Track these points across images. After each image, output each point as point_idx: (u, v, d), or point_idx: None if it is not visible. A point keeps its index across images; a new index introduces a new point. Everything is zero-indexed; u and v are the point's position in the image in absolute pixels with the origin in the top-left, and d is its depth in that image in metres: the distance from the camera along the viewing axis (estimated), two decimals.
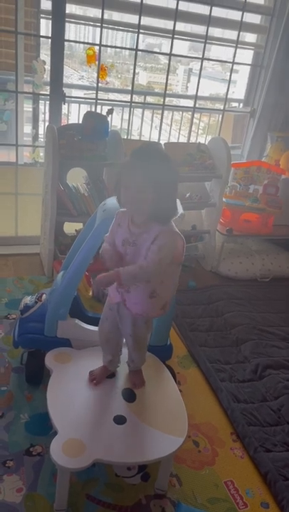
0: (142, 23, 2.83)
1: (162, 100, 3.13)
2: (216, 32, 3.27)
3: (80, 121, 2.59)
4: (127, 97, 3.10)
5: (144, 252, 1.33)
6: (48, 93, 2.80)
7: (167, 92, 3.12)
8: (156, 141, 3.09)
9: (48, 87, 2.78)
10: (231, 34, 3.31)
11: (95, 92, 2.90)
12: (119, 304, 1.47)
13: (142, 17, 2.79)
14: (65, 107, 2.83)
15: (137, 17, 2.82)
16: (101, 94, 2.92)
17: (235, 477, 1.62)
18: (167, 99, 3.15)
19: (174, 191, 1.34)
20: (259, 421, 1.85)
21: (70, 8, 2.70)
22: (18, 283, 2.60)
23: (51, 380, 1.57)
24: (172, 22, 2.90)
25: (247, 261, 3.11)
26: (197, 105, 3.25)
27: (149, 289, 1.40)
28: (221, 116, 3.41)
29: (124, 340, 1.58)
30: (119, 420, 1.45)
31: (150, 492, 1.51)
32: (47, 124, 2.82)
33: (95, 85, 2.89)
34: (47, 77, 2.78)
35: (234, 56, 3.18)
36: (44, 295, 1.90)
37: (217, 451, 1.72)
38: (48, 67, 2.73)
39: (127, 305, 1.45)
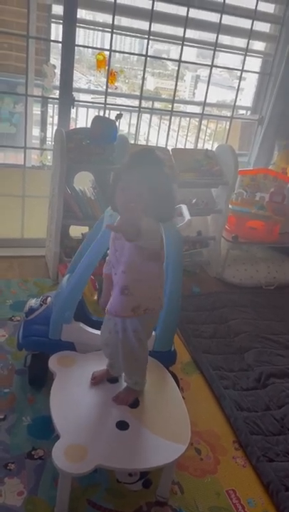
0: (152, 29, 2.84)
1: (169, 106, 3.14)
2: (224, 39, 3.29)
3: (88, 126, 2.60)
4: (134, 102, 3.12)
5: (127, 245, 1.32)
6: (57, 97, 2.82)
7: (175, 98, 3.13)
8: (164, 146, 3.10)
9: (57, 91, 2.80)
10: (240, 42, 3.33)
11: (101, 96, 2.91)
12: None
13: (151, 23, 2.81)
14: (73, 111, 2.84)
15: (145, 23, 2.83)
16: (109, 99, 2.93)
17: (238, 486, 1.61)
18: (175, 105, 3.16)
19: (170, 195, 1.34)
20: (262, 430, 1.84)
21: (80, 14, 2.72)
22: (22, 285, 2.60)
23: (54, 383, 1.57)
24: (182, 29, 2.91)
25: (252, 268, 3.10)
26: (204, 112, 3.26)
27: (123, 283, 1.37)
28: (227, 123, 3.42)
29: None
30: (122, 426, 1.45)
31: (151, 499, 1.50)
32: (55, 127, 2.83)
33: (103, 90, 2.90)
34: (56, 81, 2.79)
35: (243, 64, 3.19)
36: (49, 298, 1.90)
37: (219, 459, 1.70)
38: (57, 71, 2.75)
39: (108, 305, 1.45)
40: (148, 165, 1.30)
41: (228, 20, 3.06)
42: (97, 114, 3.06)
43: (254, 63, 3.50)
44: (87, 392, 1.56)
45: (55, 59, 2.90)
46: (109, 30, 2.76)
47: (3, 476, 1.49)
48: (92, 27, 3.16)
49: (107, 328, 1.56)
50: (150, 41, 2.90)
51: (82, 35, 3.99)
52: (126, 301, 1.40)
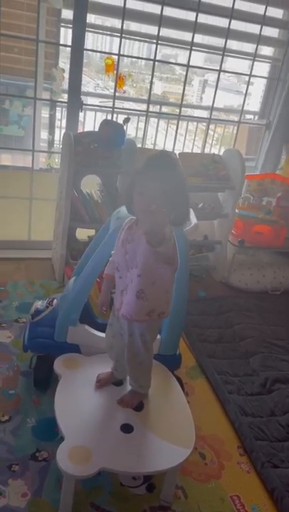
0: (160, 34, 2.86)
1: (176, 110, 3.15)
2: (232, 44, 3.30)
3: (96, 129, 2.61)
4: (141, 106, 3.13)
5: (141, 248, 1.32)
6: (65, 100, 2.83)
7: (182, 102, 3.14)
8: (171, 150, 3.10)
9: (66, 95, 2.81)
10: (248, 47, 3.34)
11: (109, 100, 2.93)
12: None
13: (160, 28, 2.82)
14: (81, 115, 2.86)
15: (153, 28, 2.85)
16: (117, 103, 2.95)
17: (242, 492, 1.60)
18: (183, 109, 3.16)
19: (186, 199, 1.34)
20: (267, 436, 1.83)
21: (90, 18, 2.74)
22: (29, 287, 2.61)
23: (59, 385, 1.57)
24: (190, 34, 2.92)
25: (258, 273, 3.09)
26: (212, 116, 3.26)
27: (138, 287, 1.36)
28: (234, 127, 3.42)
29: None
30: (127, 429, 1.45)
31: (155, 503, 1.49)
32: (63, 130, 2.85)
33: (111, 93, 2.92)
34: (65, 84, 2.81)
35: (251, 69, 3.20)
36: (55, 300, 1.91)
37: (224, 464, 1.70)
38: (66, 74, 2.77)
39: (121, 309, 1.44)
40: (166, 168, 1.30)
41: (236, 25, 3.07)
42: (105, 117, 3.08)
43: (262, 68, 3.51)
44: (92, 394, 1.56)
45: (64, 63, 2.93)
46: (118, 34, 2.78)
47: (7, 477, 1.49)
48: (101, 31, 3.18)
49: (111, 332, 1.57)
50: (159, 46, 2.91)
51: (90, 40, 4.03)
52: (141, 305, 1.39)
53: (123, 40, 2.80)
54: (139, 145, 3.05)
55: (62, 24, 3.15)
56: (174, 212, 1.32)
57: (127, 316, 1.42)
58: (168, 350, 1.81)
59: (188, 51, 2.99)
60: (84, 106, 2.84)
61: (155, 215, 1.29)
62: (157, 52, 2.93)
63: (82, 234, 2.84)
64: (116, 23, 2.80)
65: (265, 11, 3.03)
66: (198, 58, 3.85)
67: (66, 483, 1.33)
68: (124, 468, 1.35)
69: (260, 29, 3.08)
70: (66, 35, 2.93)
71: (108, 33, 3.19)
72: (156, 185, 1.27)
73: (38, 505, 1.42)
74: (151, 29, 2.92)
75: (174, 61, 4.02)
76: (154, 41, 2.89)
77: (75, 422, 1.44)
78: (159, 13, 2.79)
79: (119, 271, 1.43)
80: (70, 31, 2.70)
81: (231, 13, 2.95)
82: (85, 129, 3.29)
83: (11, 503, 1.42)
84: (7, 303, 2.42)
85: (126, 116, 2.71)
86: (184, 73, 3.08)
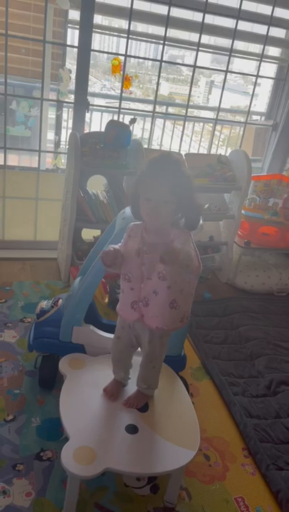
0: (167, 34, 2.86)
1: (183, 111, 3.15)
2: (239, 45, 3.29)
3: (102, 130, 2.62)
4: (148, 107, 3.13)
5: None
6: (72, 101, 2.84)
7: (189, 103, 3.14)
8: (177, 151, 3.10)
9: (72, 95, 2.82)
10: (255, 47, 3.33)
11: (116, 100, 2.93)
12: (134, 321, 1.44)
13: (167, 29, 2.83)
14: (87, 115, 2.87)
15: (160, 28, 2.85)
16: (123, 104, 2.95)
17: (246, 494, 1.59)
18: (189, 110, 3.16)
19: (195, 199, 1.33)
20: (272, 438, 1.82)
21: (97, 19, 2.74)
22: (34, 287, 2.62)
23: (64, 385, 1.58)
24: (196, 34, 2.92)
25: (264, 274, 3.08)
26: (218, 117, 3.25)
27: (170, 298, 1.36)
28: (241, 128, 3.41)
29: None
30: (131, 430, 1.44)
31: (159, 504, 1.49)
32: (69, 131, 2.86)
33: (117, 94, 2.92)
34: (72, 85, 2.82)
35: (258, 69, 3.19)
36: (60, 300, 1.91)
37: (228, 466, 1.69)
38: (73, 75, 2.77)
39: (145, 321, 1.41)
40: (169, 170, 1.27)
41: (243, 26, 3.06)
42: (111, 118, 3.08)
43: (268, 69, 3.50)
44: (96, 394, 1.56)
45: (71, 64, 2.93)
46: (125, 35, 2.78)
47: (11, 476, 1.50)
48: (108, 32, 3.19)
49: (119, 345, 1.54)
50: (166, 47, 2.91)
51: (97, 40, 4.04)
52: (176, 314, 1.40)
53: (130, 40, 2.81)
54: (145, 146, 3.06)
55: (70, 25, 3.16)
56: (185, 215, 1.31)
57: (163, 328, 1.40)
58: (173, 351, 1.80)
59: (194, 52, 2.99)
60: (90, 106, 2.85)
61: (161, 218, 1.29)
62: (164, 53, 2.93)
63: (88, 234, 2.84)
64: (123, 23, 2.81)
65: (272, 12, 3.02)
66: (205, 59, 3.85)
67: (70, 483, 1.33)
68: (129, 468, 1.35)
69: (267, 30, 3.07)
70: (73, 36, 2.94)
71: (115, 34, 3.20)
72: (164, 189, 1.26)
73: (42, 504, 1.43)
74: (158, 30, 2.92)
75: (181, 62, 4.02)
76: (161, 42, 2.89)
77: (79, 422, 1.43)
78: (166, 13, 2.79)
79: (130, 282, 1.39)
80: (77, 32, 2.70)
81: (238, 14, 2.95)
82: (92, 130, 3.29)
83: (16, 502, 1.42)
84: (13, 303, 2.43)
85: (132, 116, 2.71)
86: (191, 74, 3.08)
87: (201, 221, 1.78)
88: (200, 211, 1.36)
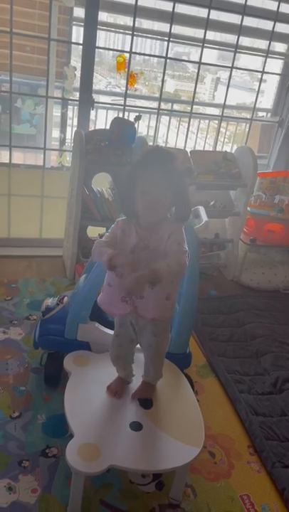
0: (172, 31, 2.84)
1: (188, 108, 3.13)
2: (245, 41, 3.27)
3: (108, 127, 2.61)
4: (153, 104, 3.12)
5: (163, 253, 1.30)
6: (77, 99, 2.84)
7: (194, 100, 3.12)
8: (182, 148, 3.09)
9: (77, 93, 2.82)
10: (261, 43, 3.30)
11: (121, 98, 2.93)
12: (130, 315, 1.43)
13: (172, 25, 2.81)
14: (92, 113, 2.86)
15: (166, 25, 2.84)
16: (128, 101, 2.94)
17: (252, 491, 1.59)
18: (194, 107, 3.15)
19: (186, 192, 1.34)
20: (277, 435, 1.81)
21: (102, 16, 2.74)
22: (40, 284, 2.63)
23: (69, 382, 1.58)
24: (202, 31, 2.91)
25: (270, 272, 3.07)
26: (224, 114, 3.24)
27: (165, 290, 1.35)
28: (247, 125, 3.39)
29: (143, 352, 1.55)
30: (136, 427, 1.45)
31: (164, 501, 1.49)
32: (74, 128, 2.86)
33: (122, 92, 2.91)
34: (77, 82, 2.82)
35: (264, 65, 3.17)
36: (66, 297, 1.91)
37: (233, 463, 1.69)
38: (78, 73, 2.77)
39: (139, 312, 1.40)
40: (165, 163, 1.28)
41: (249, 21, 3.04)
42: (116, 115, 3.08)
43: (275, 65, 3.47)
44: (101, 392, 1.56)
45: (76, 61, 2.93)
46: (130, 32, 2.77)
47: (17, 473, 1.51)
48: (113, 29, 3.18)
49: (117, 341, 1.54)
50: (171, 43, 2.90)
51: (103, 38, 4.03)
52: (170, 305, 1.41)
53: (136, 38, 2.80)
54: (151, 143, 3.05)
55: (75, 22, 3.16)
56: (177, 208, 1.33)
57: (160, 319, 1.42)
58: (178, 348, 1.80)
59: (200, 49, 2.97)
60: (95, 104, 2.85)
61: (159, 211, 1.31)
62: (170, 50, 2.92)
63: (94, 232, 2.84)
64: (128, 20, 2.80)
65: (278, 7, 3.00)
66: (211, 56, 3.83)
67: (75, 480, 1.34)
68: (133, 465, 1.35)
69: (273, 25, 3.04)
70: (78, 34, 2.93)
71: (120, 31, 3.19)
72: (162, 182, 1.27)
73: (47, 501, 1.43)
74: (164, 27, 2.91)
75: (186, 59, 4.00)
76: (166, 39, 2.88)
77: (84, 418, 1.44)
78: (171, 10, 2.78)
79: (122, 277, 1.33)
80: (82, 29, 2.70)
81: (244, 10, 2.93)
82: (97, 127, 3.29)
83: (21, 498, 1.43)
84: (18, 300, 2.44)
85: (137, 114, 2.70)
86: (196, 71, 3.06)
87: (206, 218, 1.78)
88: (190, 206, 1.37)
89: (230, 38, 3.17)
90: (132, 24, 2.75)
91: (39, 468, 1.53)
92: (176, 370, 1.73)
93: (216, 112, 3.29)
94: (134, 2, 2.70)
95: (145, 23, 3.19)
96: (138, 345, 1.56)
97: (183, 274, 1.34)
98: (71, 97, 2.89)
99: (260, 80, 3.21)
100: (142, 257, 1.32)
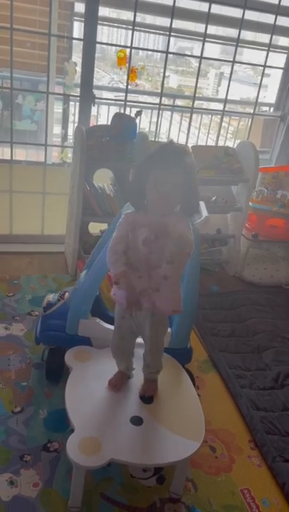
0: (174, 26, 2.83)
1: (191, 103, 3.12)
2: (248, 35, 3.25)
3: (109, 123, 2.61)
4: (155, 100, 3.10)
5: (169, 245, 1.33)
6: (78, 94, 2.83)
7: (197, 95, 3.11)
8: (184, 143, 3.08)
9: (78, 89, 2.81)
10: (264, 37, 3.27)
11: (124, 93, 2.92)
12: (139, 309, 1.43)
13: (174, 20, 2.80)
14: (94, 109, 2.86)
15: (167, 20, 2.82)
16: (131, 97, 2.93)
17: (252, 485, 1.59)
18: (197, 102, 3.14)
19: (196, 187, 1.38)
20: (279, 430, 1.81)
21: (104, 11, 2.72)
22: (42, 280, 2.64)
23: (70, 377, 1.59)
24: (204, 25, 2.89)
25: (272, 267, 3.06)
26: (227, 109, 3.22)
27: (178, 282, 1.41)
28: (249, 120, 3.37)
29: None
30: (136, 421, 1.45)
31: (165, 495, 1.50)
32: (76, 124, 2.85)
33: (123, 87, 2.90)
34: (78, 78, 2.81)
35: (266, 59, 3.14)
36: (67, 293, 1.92)
37: (234, 458, 1.69)
38: (79, 68, 2.76)
39: (159, 306, 1.41)
40: (178, 156, 1.31)
41: (251, 15, 3.02)
42: (118, 111, 3.07)
43: (278, 59, 3.44)
44: (102, 386, 1.57)
45: (77, 57, 2.92)
46: (130, 27, 2.76)
47: (19, 467, 1.52)
48: (113, 24, 3.17)
49: (119, 334, 1.55)
50: (174, 38, 2.88)
51: (106, 33, 4.01)
52: (180, 293, 1.45)
53: (138, 33, 2.78)
54: (153, 138, 3.04)
55: (76, 18, 3.15)
56: (187, 201, 1.35)
57: (179, 310, 1.46)
58: (179, 343, 1.80)
59: (202, 43, 2.95)
60: (96, 100, 2.84)
61: (170, 204, 1.34)
62: (173, 45, 2.91)
63: (95, 228, 2.84)
64: (131, 15, 2.78)
65: (279, 0, 2.97)
66: (214, 50, 3.81)
67: (76, 474, 1.35)
68: (134, 459, 1.36)
69: (275, 19, 3.02)
70: (80, 29, 2.92)
71: (121, 25, 3.17)
72: (176, 175, 1.29)
73: (49, 495, 1.44)
74: (166, 21, 2.89)
75: (190, 54, 3.97)
76: (167, 33, 2.86)
77: (85, 413, 1.45)
78: (172, 4, 2.76)
79: (138, 271, 1.38)
80: (83, 25, 2.69)
81: (245, 3, 2.91)
82: (99, 123, 3.28)
83: (23, 492, 1.44)
84: (20, 296, 2.45)
85: (138, 109, 2.69)
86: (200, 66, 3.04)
87: (206, 213, 1.78)
88: (198, 200, 1.41)
89: (232, 32, 3.15)
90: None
91: (41, 462, 1.54)
92: (177, 365, 1.73)
93: (220, 107, 3.27)
94: None
95: (148, 18, 3.17)
96: (138, 340, 1.56)
97: (188, 259, 1.37)
98: (72, 93, 2.88)
99: (262, 74, 3.19)
100: (154, 249, 1.36)
